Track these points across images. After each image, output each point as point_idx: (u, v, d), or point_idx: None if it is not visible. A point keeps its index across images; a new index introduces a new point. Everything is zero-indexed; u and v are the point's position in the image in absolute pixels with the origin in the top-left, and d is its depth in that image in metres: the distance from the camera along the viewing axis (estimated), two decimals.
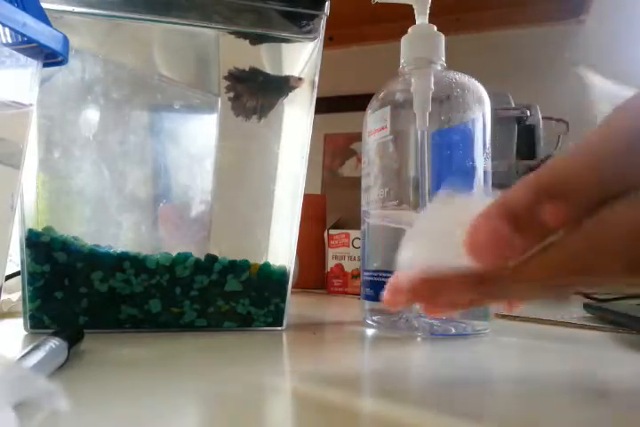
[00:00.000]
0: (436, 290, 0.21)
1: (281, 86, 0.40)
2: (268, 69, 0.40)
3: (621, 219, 0.17)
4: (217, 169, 0.40)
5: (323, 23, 0.39)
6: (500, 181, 0.34)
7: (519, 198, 0.18)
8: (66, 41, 0.30)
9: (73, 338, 0.27)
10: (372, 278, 0.39)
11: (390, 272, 0.37)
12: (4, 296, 0.42)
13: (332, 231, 0.75)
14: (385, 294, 0.22)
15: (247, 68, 0.39)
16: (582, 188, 0.17)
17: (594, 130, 0.18)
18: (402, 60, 0.40)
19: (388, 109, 0.38)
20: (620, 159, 0.17)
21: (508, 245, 0.18)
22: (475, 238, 0.19)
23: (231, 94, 0.39)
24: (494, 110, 0.38)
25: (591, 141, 0.18)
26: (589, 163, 0.17)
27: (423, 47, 0.39)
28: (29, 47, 0.29)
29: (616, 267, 0.17)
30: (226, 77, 0.39)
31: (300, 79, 0.39)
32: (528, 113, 0.85)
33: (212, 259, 0.37)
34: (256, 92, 0.39)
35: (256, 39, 0.39)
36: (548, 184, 0.18)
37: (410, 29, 0.39)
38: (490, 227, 0.18)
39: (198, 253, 0.37)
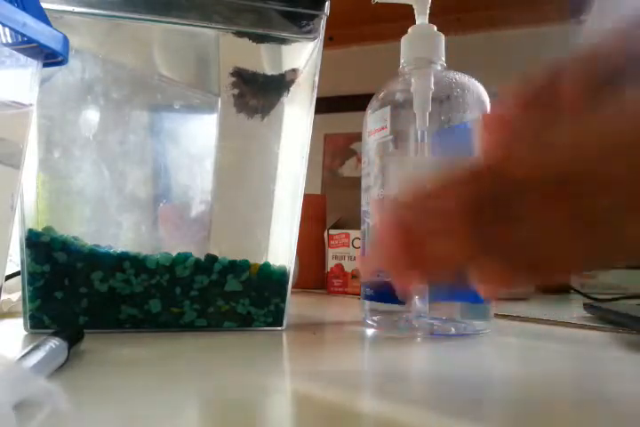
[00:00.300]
0: (421, 220, 0.17)
1: (280, 84, 0.40)
2: (268, 69, 0.40)
3: None
4: (217, 169, 0.40)
5: (323, 23, 0.39)
6: None
7: (535, 77, 0.17)
8: (66, 41, 0.30)
9: (73, 338, 0.27)
10: (372, 278, 0.39)
11: None
12: (4, 296, 0.42)
13: (332, 231, 0.75)
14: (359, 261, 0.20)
15: (252, 70, 0.39)
16: (605, 55, 0.16)
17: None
18: (402, 60, 0.40)
19: (387, 109, 0.38)
20: None
21: (521, 121, 0.16)
22: (487, 119, 0.17)
23: (235, 91, 0.39)
24: None
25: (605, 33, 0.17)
26: (614, 34, 0.17)
27: (423, 47, 0.39)
28: (29, 47, 0.29)
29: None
30: (232, 74, 0.39)
31: (294, 70, 0.39)
32: None
33: (211, 259, 0.37)
34: (258, 93, 0.39)
35: (257, 38, 0.39)
36: (568, 61, 0.17)
37: (410, 29, 0.39)
38: (503, 105, 0.17)
39: (198, 253, 0.37)
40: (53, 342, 0.24)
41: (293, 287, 0.40)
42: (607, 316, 0.43)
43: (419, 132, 0.37)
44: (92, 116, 0.37)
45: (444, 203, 0.16)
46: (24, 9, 0.27)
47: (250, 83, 0.39)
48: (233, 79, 0.39)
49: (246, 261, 0.38)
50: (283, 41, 0.39)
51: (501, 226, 0.16)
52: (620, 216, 0.15)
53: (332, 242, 0.74)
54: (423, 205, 0.17)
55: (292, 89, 0.40)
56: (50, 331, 0.26)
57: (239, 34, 0.39)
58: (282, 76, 0.40)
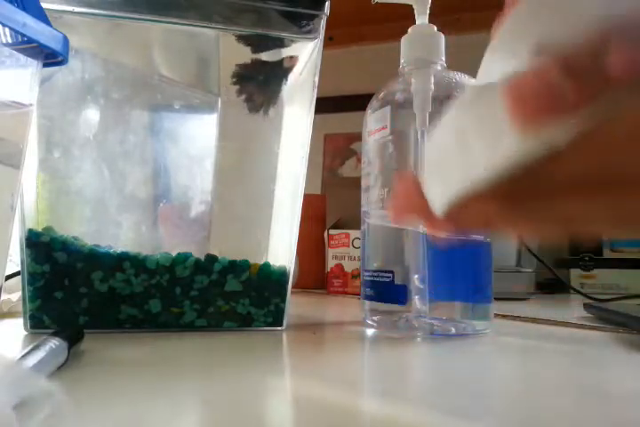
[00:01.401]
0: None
1: (278, 73, 0.40)
2: (268, 67, 0.40)
3: None
4: (217, 169, 0.40)
5: (323, 23, 0.39)
6: None
7: (582, 44, 0.14)
8: (66, 41, 0.30)
9: (73, 338, 0.27)
10: (372, 278, 0.39)
11: (390, 272, 0.37)
12: (4, 296, 0.42)
13: (332, 231, 0.75)
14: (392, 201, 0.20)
15: (247, 62, 0.39)
16: None
17: None
18: (402, 60, 0.40)
19: (388, 109, 0.38)
20: None
21: (560, 95, 0.13)
22: (519, 90, 0.14)
23: (243, 96, 0.39)
24: None
25: None
26: None
27: (423, 47, 0.39)
28: (29, 47, 0.29)
29: None
30: (233, 80, 0.39)
31: (292, 57, 0.39)
32: None
33: (211, 259, 0.37)
34: (260, 86, 0.39)
35: (259, 47, 0.39)
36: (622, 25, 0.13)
37: (410, 29, 0.39)
38: (538, 76, 0.14)
39: (198, 253, 0.37)
40: (53, 342, 0.24)
41: (293, 287, 0.40)
42: (607, 316, 0.43)
43: (419, 132, 0.37)
44: (92, 116, 0.37)
45: None
46: (24, 9, 0.27)
47: (253, 79, 0.39)
48: (238, 83, 0.39)
49: (246, 261, 0.38)
50: (283, 41, 0.39)
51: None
52: None
53: (331, 242, 0.74)
54: None
55: (291, 85, 0.40)
56: (50, 331, 0.26)
57: (241, 40, 0.39)
58: (277, 63, 0.39)
